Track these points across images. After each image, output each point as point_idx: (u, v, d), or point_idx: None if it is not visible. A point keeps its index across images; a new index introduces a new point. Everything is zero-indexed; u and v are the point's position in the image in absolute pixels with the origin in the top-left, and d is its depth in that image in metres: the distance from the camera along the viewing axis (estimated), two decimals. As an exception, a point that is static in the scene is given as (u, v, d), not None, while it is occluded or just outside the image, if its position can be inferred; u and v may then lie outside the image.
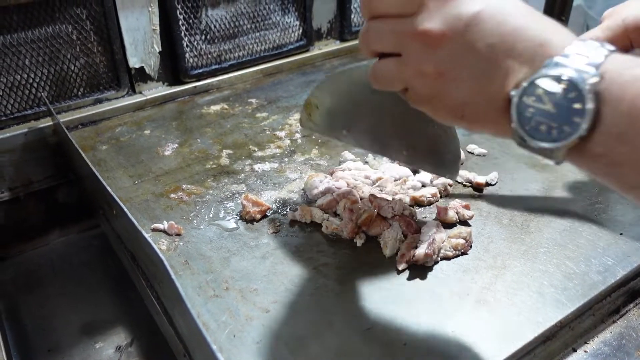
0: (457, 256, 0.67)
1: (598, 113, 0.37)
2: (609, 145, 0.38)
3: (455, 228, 0.71)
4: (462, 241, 0.67)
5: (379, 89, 0.52)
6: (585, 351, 0.62)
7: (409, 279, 0.64)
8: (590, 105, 0.37)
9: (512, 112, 0.41)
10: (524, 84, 0.40)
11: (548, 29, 0.42)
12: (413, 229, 0.69)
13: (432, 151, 0.68)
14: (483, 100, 0.44)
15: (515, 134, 0.42)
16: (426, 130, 0.66)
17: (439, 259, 0.66)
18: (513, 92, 0.41)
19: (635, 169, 0.38)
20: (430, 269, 0.65)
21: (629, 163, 0.37)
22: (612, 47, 0.40)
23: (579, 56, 0.39)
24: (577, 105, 0.38)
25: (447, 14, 0.44)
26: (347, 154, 0.88)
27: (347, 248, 0.69)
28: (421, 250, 0.64)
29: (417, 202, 0.76)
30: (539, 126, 0.40)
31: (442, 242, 0.66)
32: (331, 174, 0.81)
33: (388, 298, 0.61)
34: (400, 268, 0.64)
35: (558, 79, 0.39)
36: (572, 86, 0.38)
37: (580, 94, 0.38)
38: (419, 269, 0.65)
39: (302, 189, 0.81)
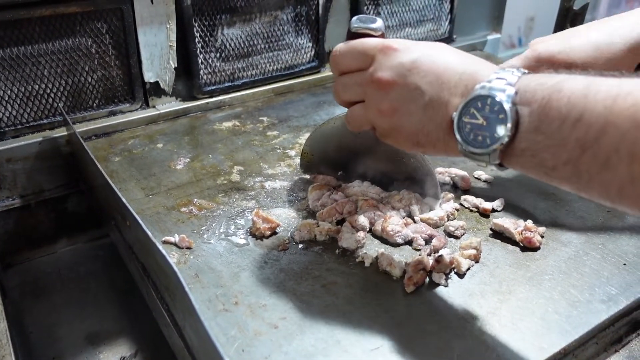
0: (470, 268, 0.69)
1: (517, 117, 0.48)
2: (529, 138, 0.47)
3: (464, 239, 0.74)
4: (473, 251, 0.69)
5: (354, 131, 0.65)
6: (588, 379, 0.63)
7: (417, 300, 0.65)
8: (510, 112, 0.48)
9: (454, 130, 0.53)
10: (460, 106, 0.52)
11: (473, 63, 0.55)
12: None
13: (415, 181, 0.81)
14: (432, 126, 0.55)
15: (460, 147, 0.53)
16: (407, 163, 0.80)
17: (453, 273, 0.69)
18: (454, 115, 0.53)
19: (550, 151, 0.46)
20: (438, 292, 0.66)
21: (545, 148, 0.46)
22: (524, 71, 0.51)
23: (499, 80, 0.50)
24: (501, 115, 0.49)
25: (393, 64, 0.57)
26: None
27: (355, 267, 0.70)
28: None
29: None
30: (476, 137, 0.51)
31: (451, 255, 0.69)
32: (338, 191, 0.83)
33: (395, 319, 0.62)
34: (408, 291, 0.65)
35: (485, 98, 0.50)
36: (495, 102, 0.49)
37: (502, 106, 0.49)
38: (427, 291, 0.66)
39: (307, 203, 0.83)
